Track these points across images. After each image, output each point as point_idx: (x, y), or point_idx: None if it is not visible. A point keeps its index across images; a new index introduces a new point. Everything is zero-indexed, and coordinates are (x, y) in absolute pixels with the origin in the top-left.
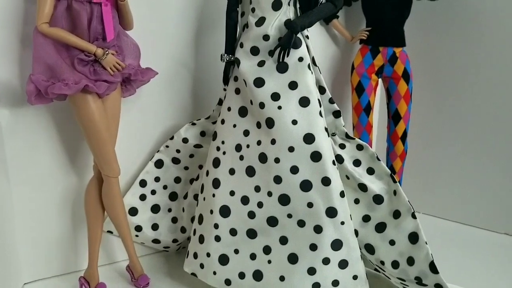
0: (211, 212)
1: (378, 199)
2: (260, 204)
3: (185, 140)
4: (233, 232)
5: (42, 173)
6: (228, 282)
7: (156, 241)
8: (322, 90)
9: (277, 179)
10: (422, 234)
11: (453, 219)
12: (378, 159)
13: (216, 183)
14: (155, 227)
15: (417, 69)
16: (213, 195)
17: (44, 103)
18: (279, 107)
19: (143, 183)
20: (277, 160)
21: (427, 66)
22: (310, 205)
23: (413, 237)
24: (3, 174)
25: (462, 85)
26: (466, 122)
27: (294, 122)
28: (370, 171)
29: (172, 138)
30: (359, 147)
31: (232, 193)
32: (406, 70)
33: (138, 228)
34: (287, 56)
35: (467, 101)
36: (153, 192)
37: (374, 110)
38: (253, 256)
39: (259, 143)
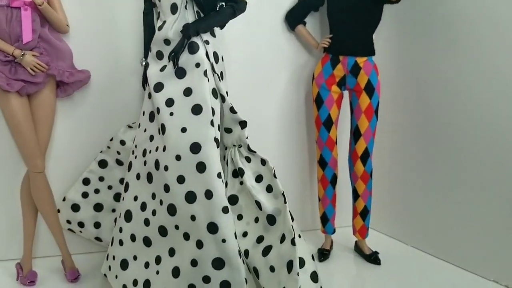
0: (120, 215)
1: (270, 219)
2: (154, 212)
3: (122, 142)
4: (133, 238)
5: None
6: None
7: (98, 239)
8: (222, 98)
9: (166, 188)
10: (297, 263)
11: (438, 255)
12: (275, 176)
13: (126, 187)
14: (97, 225)
15: (390, 81)
16: (123, 199)
17: None
18: (171, 114)
19: (86, 181)
20: (166, 168)
21: (402, 77)
22: (193, 217)
23: (289, 266)
24: None
25: (441, 98)
26: (452, 143)
27: (184, 129)
28: (269, 188)
29: (111, 139)
30: (263, 162)
31: (135, 198)
32: (370, 82)
33: (81, 224)
34: (177, 61)
35: (447, 116)
36: (97, 191)
37: (338, 125)
38: (146, 265)
39: (157, 149)
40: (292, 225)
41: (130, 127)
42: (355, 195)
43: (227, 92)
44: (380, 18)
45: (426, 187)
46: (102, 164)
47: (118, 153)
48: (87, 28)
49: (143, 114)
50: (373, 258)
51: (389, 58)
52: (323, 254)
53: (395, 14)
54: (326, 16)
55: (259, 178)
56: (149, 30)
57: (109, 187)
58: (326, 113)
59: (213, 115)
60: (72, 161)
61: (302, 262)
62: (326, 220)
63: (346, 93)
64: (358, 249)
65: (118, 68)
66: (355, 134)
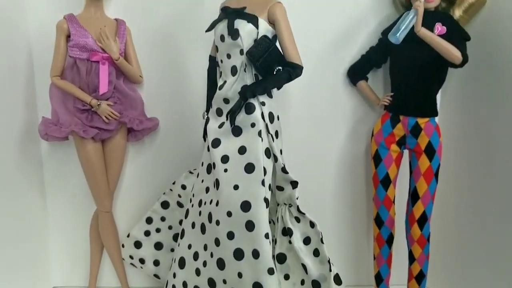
0: (174, 260)
1: (316, 285)
2: (204, 263)
3: (183, 187)
4: (184, 284)
5: (73, 194)
6: None
7: (156, 276)
8: (275, 158)
9: (217, 242)
10: None
11: None
12: (322, 242)
13: (182, 234)
14: (156, 263)
15: (454, 142)
16: (178, 245)
17: (57, 140)
18: (225, 170)
19: (149, 220)
20: (217, 222)
21: (467, 138)
22: (240, 275)
23: None
24: (41, 193)
25: (508, 162)
26: None
27: (236, 187)
28: (316, 252)
29: (174, 183)
30: (311, 224)
31: (189, 246)
32: (431, 144)
33: (142, 261)
34: (234, 120)
35: None
36: (158, 230)
37: (396, 185)
38: None
39: (211, 202)
40: None
41: (191, 173)
42: (411, 258)
43: (281, 151)
44: (444, 79)
45: (489, 252)
46: (165, 205)
47: (179, 196)
48: (158, 79)
49: (202, 165)
50: None
51: (453, 119)
52: None
53: (459, 74)
54: (389, 73)
55: (307, 240)
56: (211, 86)
57: (170, 227)
58: (384, 172)
59: (265, 174)
60: (137, 200)
61: None
62: (380, 279)
63: (406, 152)
64: None
65: (184, 117)
66: (413, 196)
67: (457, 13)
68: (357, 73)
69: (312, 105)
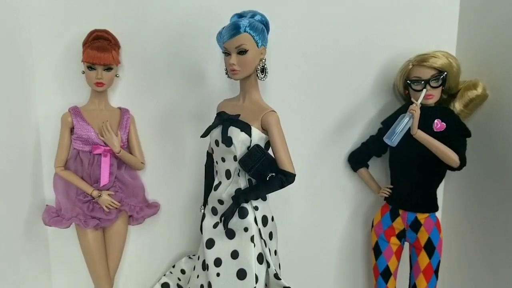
0: None
1: None
2: None
3: (183, 271)
4: None
5: (78, 272)
6: None
7: None
8: (267, 264)
9: None
10: None
11: None
12: None
13: None
14: None
15: (455, 237)
16: None
17: (60, 227)
18: (218, 274)
19: None
20: None
21: (468, 234)
22: None
23: None
24: (47, 272)
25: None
26: None
27: None
28: None
29: (174, 266)
30: None
31: None
32: (431, 241)
33: None
34: (226, 225)
35: None
36: None
37: (397, 276)
38: None
39: None
40: None
41: (190, 258)
42: None
43: (275, 251)
44: (444, 175)
45: None
46: (165, 286)
47: (179, 279)
48: (160, 163)
49: (198, 259)
50: None
51: (454, 213)
52: None
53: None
54: (388, 165)
55: None
56: (209, 182)
57: None
58: (384, 265)
59: (257, 281)
60: (138, 281)
61: None
62: None
63: (407, 244)
64: None
65: (184, 203)
66: None
67: (457, 106)
68: (357, 160)
69: (314, 187)
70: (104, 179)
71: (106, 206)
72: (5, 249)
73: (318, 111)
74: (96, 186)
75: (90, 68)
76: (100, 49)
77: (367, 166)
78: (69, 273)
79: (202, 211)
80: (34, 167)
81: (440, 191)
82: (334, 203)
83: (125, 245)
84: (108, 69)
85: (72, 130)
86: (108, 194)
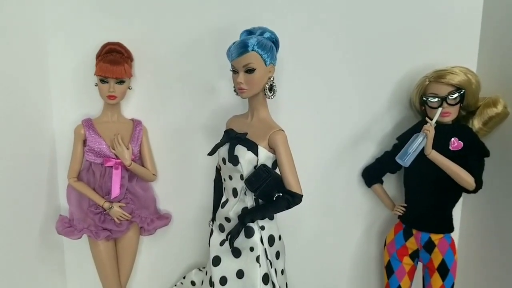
0: None
1: None
2: None
3: (193, 283)
4: None
5: (92, 277)
6: None
7: None
8: (273, 285)
9: None
10: None
11: None
12: None
13: None
14: None
15: (471, 259)
16: None
17: (72, 238)
18: None
19: None
20: None
21: (486, 255)
22: None
23: None
24: (61, 279)
25: None
26: None
27: None
28: None
29: (184, 277)
30: None
31: None
32: (445, 263)
33: None
34: (232, 244)
35: None
36: None
37: None
38: None
39: None
40: None
41: (200, 270)
42: None
43: (282, 271)
44: (460, 195)
45: None
46: None
47: None
48: (172, 176)
49: (206, 274)
50: None
51: (472, 234)
52: None
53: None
54: (403, 182)
55: None
56: (217, 197)
57: None
58: (396, 284)
59: None
60: None
61: None
62: None
63: (420, 264)
64: None
65: (195, 214)
66: None
67: (476, 124)
68: (371, 176)
69: (327, 203)
70: (115, 191)
71: (117, 218)
72: (22, 258)
73: (333, 125)
74: (108, 198)
75: (103, 81)
76: (113, 62)
77: (381, 182)
78: (84, 281)
79: (211, 226)
80: (50, 176)
81: (457, 210)
82: (348, 219)
83: (136, 255)
84: (121, 82)
85: (85, 142)
86: (119, 206)
